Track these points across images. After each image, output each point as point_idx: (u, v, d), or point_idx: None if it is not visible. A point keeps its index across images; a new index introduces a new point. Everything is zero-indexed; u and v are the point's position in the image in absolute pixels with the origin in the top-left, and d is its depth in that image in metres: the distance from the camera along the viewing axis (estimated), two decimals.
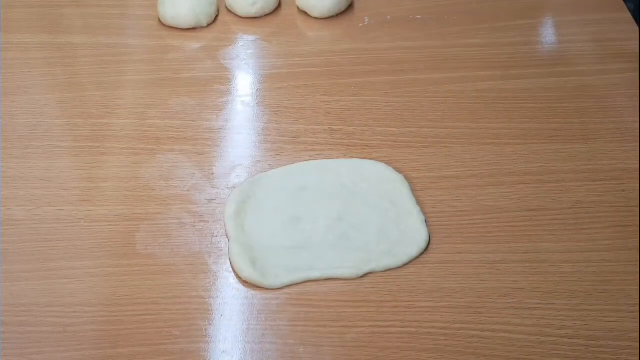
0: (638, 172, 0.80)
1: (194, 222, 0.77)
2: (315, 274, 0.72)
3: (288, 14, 1.04)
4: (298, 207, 0.77)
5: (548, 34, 1.02)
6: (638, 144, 0.83)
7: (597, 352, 0.66)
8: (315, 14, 1.02)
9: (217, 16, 1.02)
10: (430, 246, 0.74)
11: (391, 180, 0.80)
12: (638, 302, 0.70)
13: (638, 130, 0.84)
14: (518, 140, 0.84)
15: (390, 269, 0.72)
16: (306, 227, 0.76)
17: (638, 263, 0.73)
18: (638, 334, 0.67)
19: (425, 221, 0.76)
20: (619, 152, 0.83)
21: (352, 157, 0.82)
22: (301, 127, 0.87)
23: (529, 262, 0.73)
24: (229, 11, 1.03)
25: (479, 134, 0.86)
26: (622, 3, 1.02)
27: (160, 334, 0.68)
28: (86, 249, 0.74)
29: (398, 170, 0.81)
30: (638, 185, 0.79)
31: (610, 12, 1.01)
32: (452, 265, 0.73)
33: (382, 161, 0.82)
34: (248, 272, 0.71)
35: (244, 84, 0.94)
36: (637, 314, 0.69)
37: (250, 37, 1.00)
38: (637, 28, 0.98)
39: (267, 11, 1.03)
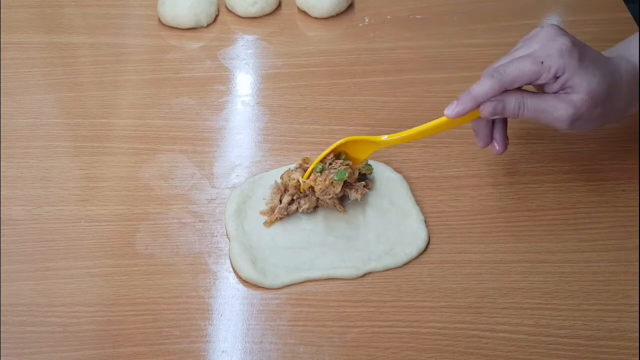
0: (638, 172, 0.80)
1: (194, 222, 0.77)
2: (315, 274, 0.72)
3: (288, 14, 1.04)
4: None
5: None
6: (638, 144, 0.83)
7: (597, 352, 0.67)
8: (315, 14, 1.02)
9: (217, 16, 1.02)
10: (430, 246, 0.74)
11: (391, 180, 0.80)
12: (638, 302, 0.70)
13: (638, 131, 0.84)
14: (518, 140, 0.84)
15: (390, 269, 0.72)
16: (306, 227, 0.76)
17: (638, 263, 0.73)
18: (638, 334, 0.67)
19: (425, 221, 0.76)
20: (619, 152, 0.83)
21: None
22: (301, 127, 0.87)
23: (529, 262, 0.73)
24: (229, 11, 1.03)
25: None
26: (622, 3, 1.02)
27: (160, 333, 0.68)
28: (86, 249, 0.74)
29: (398, 170, 0.81)
30: (638, 185, 0.79)
31: (610, 12, 1.01)
32: (452, 265, 0.73)
33: (382, 161, 0.82)
34: (248, 272, 0.71)
35: (244, 83, 0.94)
36: (637, 314, 0.69)
37: (250, 37, 1.00)
38: (638, 28, 0.98)
39: (267, 11, 1.03)
